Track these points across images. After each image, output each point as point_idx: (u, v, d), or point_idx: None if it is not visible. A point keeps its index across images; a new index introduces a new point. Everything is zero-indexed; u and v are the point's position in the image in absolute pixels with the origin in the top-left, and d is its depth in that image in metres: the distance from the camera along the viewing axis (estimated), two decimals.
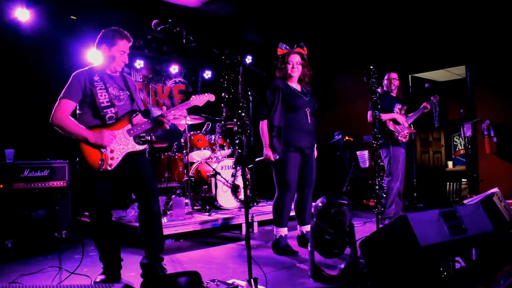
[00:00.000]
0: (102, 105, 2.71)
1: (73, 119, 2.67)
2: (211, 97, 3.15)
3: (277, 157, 3.47)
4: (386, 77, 5.01)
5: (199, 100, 3.07)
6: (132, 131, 2.77)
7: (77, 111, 2.79)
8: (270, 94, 3.56)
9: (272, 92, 3.57)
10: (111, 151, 2.67)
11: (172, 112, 2.87)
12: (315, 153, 3.82)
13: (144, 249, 2.87)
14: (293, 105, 3.55)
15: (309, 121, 3.62)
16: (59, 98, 2.67)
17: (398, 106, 4.90)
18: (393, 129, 4.72)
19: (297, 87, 3.70)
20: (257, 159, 3.67)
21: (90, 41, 5.45)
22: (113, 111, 2.74)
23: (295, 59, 3.65)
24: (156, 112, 3.31)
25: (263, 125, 3.56)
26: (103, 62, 2.84)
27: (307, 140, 3.60)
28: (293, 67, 3.64)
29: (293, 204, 3.78)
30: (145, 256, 2.86)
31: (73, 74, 2.75)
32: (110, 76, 2.85)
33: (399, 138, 4.72)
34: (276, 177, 3.60)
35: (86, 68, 2.83)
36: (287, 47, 3.70)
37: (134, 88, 2.97)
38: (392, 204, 4.73)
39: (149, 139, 4.77)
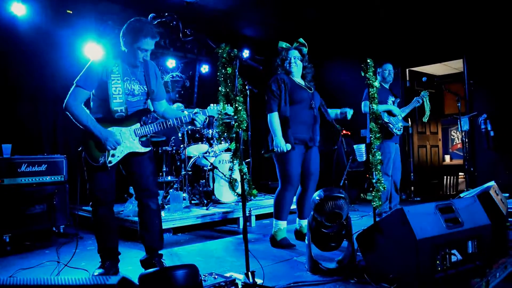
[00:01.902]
0: (114, 101, 2.66)
1: (85, 109, 2.63)
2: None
3: (290, 147, 3.46)
4: (381, 69, 4.97)
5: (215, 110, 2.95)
6: (139, 131, 2.75)
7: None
8: (276, 88, 3.54)
9: (277, 85, 3.54)
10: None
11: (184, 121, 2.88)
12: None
13: (144, 246, 2.90)
14: (296, 98, 3.54)
15: (313, 114, 3.62)
16: (75, 81, 2.62)
17: (391, 99, 4.88)
18: (387, 121, 4.68)
19: (301, 81, 3.70)
20: (263, 152, 3.62)
21: (86, 35, 5.43)
22: (124, 109, 2.70)
23: (293, 54, 3.66)
24: None
25: (273, 117, 3.50)
26: (125, 52, 2.73)
27: (310, 132, 3.60)
28: (290, 62, 3.64)
29: (295, 197, 3.79)
30: (145, 252, 2.89)
31: (92, 61, 2.69)
32: (130, 66, 2.76)
33: (394, 130, 4.68)
34: (279, 170, 3.59)
35: (110, 55, 2.74)
36: (288, 45, 3.71)
37: (155, 78, 2.88)
38: (386, 200, 4.71)
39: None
